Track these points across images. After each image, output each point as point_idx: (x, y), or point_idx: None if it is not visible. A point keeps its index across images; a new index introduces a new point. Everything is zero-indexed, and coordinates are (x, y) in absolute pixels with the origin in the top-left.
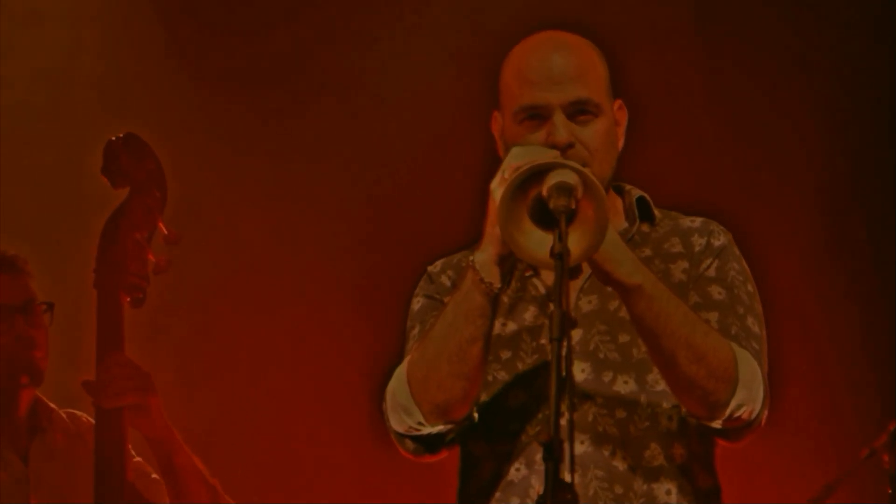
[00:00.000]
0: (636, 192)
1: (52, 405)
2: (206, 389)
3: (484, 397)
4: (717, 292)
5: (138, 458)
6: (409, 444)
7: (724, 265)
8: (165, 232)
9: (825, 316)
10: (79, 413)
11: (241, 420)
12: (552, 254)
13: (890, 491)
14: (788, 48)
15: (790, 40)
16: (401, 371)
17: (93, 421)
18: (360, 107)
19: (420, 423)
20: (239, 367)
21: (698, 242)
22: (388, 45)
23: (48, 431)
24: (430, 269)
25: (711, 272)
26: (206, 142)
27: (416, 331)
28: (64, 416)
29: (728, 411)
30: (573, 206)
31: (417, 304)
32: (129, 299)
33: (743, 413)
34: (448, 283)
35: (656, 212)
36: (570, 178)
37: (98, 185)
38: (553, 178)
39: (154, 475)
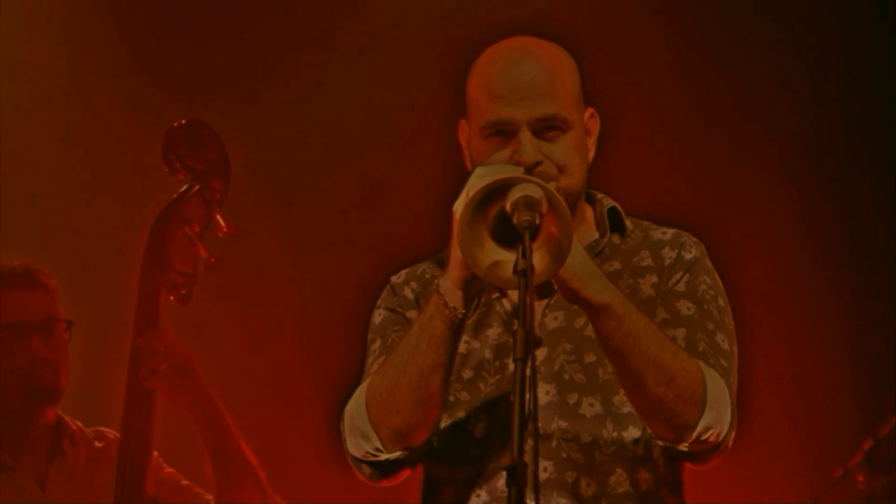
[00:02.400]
0: (608, 202)
1: (77, 424)
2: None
3: (444, 419)
4: (685, 307)
5: (170, 469)
6: (366, 469)
7: (695, 279)
8: (223, 226)
9: (799, 333)
10: (106, 430)
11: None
12: (515, 270)
13: None
14: (763, 52)
15: (764, 43)
16: (360, 394)
17: (119, 435)
18: (327, 114)
19: (378, 449)
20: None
21: (668, 255)
22: (356, 50)
23: (69, 454)
24: (393, 279)
25: (681, 286)
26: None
27: (376, 344)
28: (90, 434)
29: (695, 434)
30: (537, 221)
31: (379, 316)
32: (172, 297)
33: (710, 436)
34: (411, 296)
35: (627, 222)
36: (534, 192)
37: (135, 198)
38: (517, 193)
39: (185, 481)
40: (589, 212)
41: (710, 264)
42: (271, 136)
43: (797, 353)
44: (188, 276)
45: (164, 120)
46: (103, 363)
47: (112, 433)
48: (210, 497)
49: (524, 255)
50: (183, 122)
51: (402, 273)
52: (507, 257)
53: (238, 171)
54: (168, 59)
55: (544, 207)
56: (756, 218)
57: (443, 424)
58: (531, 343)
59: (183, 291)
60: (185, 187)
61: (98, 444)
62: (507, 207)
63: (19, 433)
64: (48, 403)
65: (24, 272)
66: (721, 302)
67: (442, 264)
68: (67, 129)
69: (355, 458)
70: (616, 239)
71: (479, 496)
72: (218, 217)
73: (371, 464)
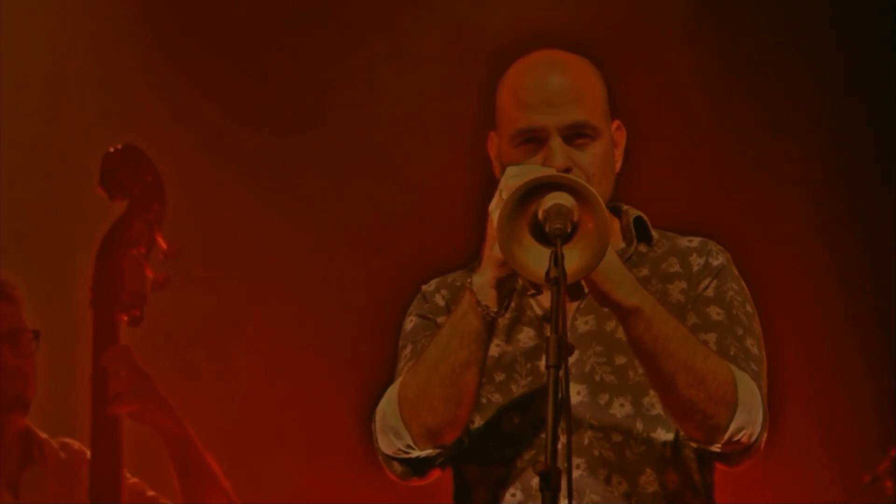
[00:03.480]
0: (633, 212)
1: (44, 435)
2: (205, 401)
3: (477, 420)
4: (715, 313)
5: (134, 479)
6: (397, 466)
7: (723, 285)
8: (164, 246)
9: (826, 338)
10: (70, 441)
11: (239, 433)
12: (548, 278)
13: None
14: (786, 65)
15: (787, 56)
16: (392, 392)
17: (84, 448)
18: (358, 124)
19: (409, 446)
20: (237, 378)
21: (696, 262)
22: (386, 61)
23: (39, 463)
24: (424, 288)
25: (710, 292)
26: (200, 152)
27: (407, 350)
28: (56, 445)
29: (727, 435)
30: (569, 230)
31: (410, 323)
32: (125, 318)
33: (742, 437)
34: (442, 303)
35: (653, 232)
36: (566, 200)
37: (95, 205)
38: (548, 202)
39: (150, 492)
40: (615, 223)
41: (736, 271)
42: (299, 144)
43: (824, 360)
44: (140, 297)
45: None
46: (65, 375)
47: (77, 444)
48: None
49: (556, 264)
50: (119, 146)
51: (433, 282)
52: (545, 254)
53: (263, 181)
54: (160, 73)
55: (576, 215)
56: (780, 227)
57: (475, 426)
58: (564, 350)
59: (136, 313)
60: (125, 210)
61: (63, 455)
62: (539, 216)
63: None
64: (17, 412)
65: None
66: (749, 308)
67: (474, 273)
68: (32, 141)
69: (386, 456)
70: (643, 247)
71: (514, 495)
72: (159, 238)
73: (402, 461)
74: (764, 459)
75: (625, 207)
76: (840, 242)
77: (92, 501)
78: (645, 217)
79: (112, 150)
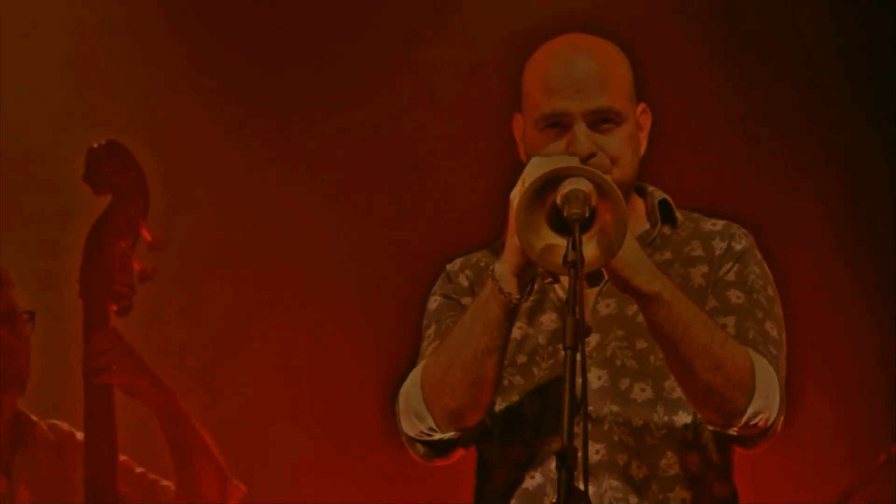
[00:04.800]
0: (658, 195)
1: (34, 417)
2: (214, 393)
3: (498, 403)
4: (735, 296)
5: (124, 458)
6: (420, 448)
7: (744, 269)
8: (149, 238)
9: (843, 321)
10: (59, 423)
11: (252, 423)
12: (565, 262)
13: None
14: (809, 47)
15: (810, 39)
16: (415, 375)
17: (73, 430)
18: (375, 109)
19: (432, 429)
20: (250, 368)
21: (719, 246)
22: (405, 47)
23: (30, 444)
24: (448, 267)
25: (731, 276)
26: (211, 144)
27: (431, 329)
28: (45, 427)
29: (744, 419)
30: (587, 214)
31: (434, 302)
32: (115, 308)
33: (759, 421)
34: (466, 283)
35: (678, 214)
36: (584, 185)
37: (83, 192)
38: (566, 187)
39: (138, 469)
40: (640, 204)
41: (759, 255)
42: (321, 127)
43: (840, 346)
44: (128, 287)
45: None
46: (55, 357)
47: (65, 426)
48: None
49: (574, 248)
50: (103, 142)
51: (458, 261)
52: (562, 243)
53: (287, 172)
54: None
55: (594, 200)
56: (802, 218)
57: (497, 408)
58: (581, 332)
59: (126, 303)
60: (110, 204)
61: (52, 437)
62: (558, 200)
63: None
64: (13, 392)
65: None
66: (770, 291)
67: (497, 253)
68: (34, 124)
69: (409, 438)
70: (667, 230)
71: (532, 477)
72: (144, 230)
73: (425, 443)
74: (779, 442)
75: (650, 189)
76: (863, 225)
77: (88, 483)
78: (670, 199)
79: (96, 145)
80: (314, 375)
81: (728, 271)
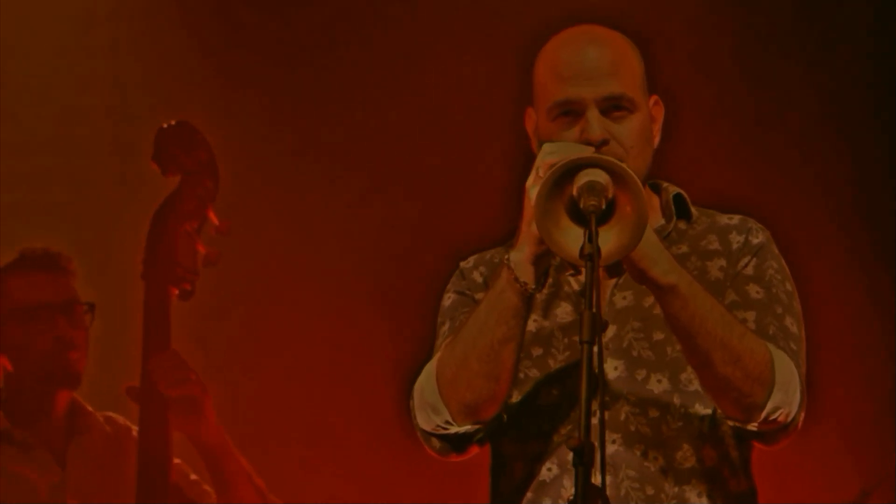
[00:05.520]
0: (673, 189)
1: (90, 408)
2: (237, 385)
3: (515, 395)
4: (754, 291)
5: (178, 461)
6: (436, 442)
7: (763, 263)
8: (216, 223)
9: (864, 316)
10: (115, 416)
11: (269, 417)
12: (581, 254)
13: None
14: (826, 45)
15: (827, 37)
16: (430, 369)
17: (129, 424)
18: (388, 103)
19: (447, 423)
20: (268, 362)
21: (736, 240)
22: (420, 38)
23: (86, 435)
24: (462, 264)
25: (749, 270)
26: (233, 138)
27: (445, 327)
28: (101, 419)
29: (764, 414)
30: (603, 206)
31: (448, 300)
32: (176, 292)
33: (779, 416)
34: (480, 280)
35: (693, 209)
36: (601, 177)
37: (145, 182)
38: (583, 178)
39: (193, 476)
40: (655, 199)
41: (776, 249)
42: (338, 135)
43: (862, 340)
44: (191, 271)
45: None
46: (113, 350)
47: (122, 419)
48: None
49: (590, 240)
50: (173, 122)
51: (472, 259)
52: (581, 233)
53: (307, 171)
54: (200, 50)
55: (611, 191)
56: (819, 212)
57: (513, 400)
58: (598, 326)
59: (188, 287)
60: (178, 185)
61: (108, 429)
62: (574, 192)
63: (39, 413)
64: (69, 384)
65: (45, 255)
66: (788, 286)
67: (511, 249)
68: (92, 115)
69: (425, 432)
70: (682, 224)
71: (550, 470)
72: (211, 214)
73: (441, 437)
74: (799, 438)
75: (664, 184)
76: (883, 217)
77: (140, 479)
78: (685, 194)
79: (165, 125)
80: (330, 371)
81: (746, 265)
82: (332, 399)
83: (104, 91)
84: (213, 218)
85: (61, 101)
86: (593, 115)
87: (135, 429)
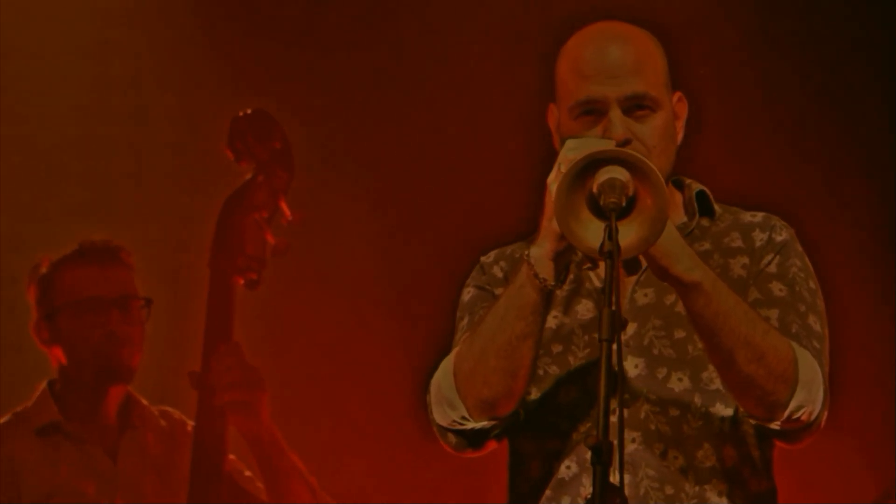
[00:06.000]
0: (696, 186)
1: (145, 402)
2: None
3: (534, 392)
4: (777, 289)
5: (232, 456)
6: (452, 437)
7: (786, 261)
8: (288, 214)
9: (886, 314)
10: (171, 410)
11: (284, 411)
12: (601, 252)
13: None
14: (849, 40)
15: (851, 34)
16: (447, 363)
17: (185, 418)
18: (408, 98)
19: (464, 418)
20: (283, 357)
21: (759, 238)
22: (442, 33)
23: (139, 429)
24: (483, 259)
25: (772, 268)
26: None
27: (464, 321)
28: (156, 412)
29: (787, 412)
30: (623, 203)
31: (468, 294)
32: (242, 281)
33: (802, 415)
34: (500, 275)
35: (716, 206)
36: (621, 174)
37: (211, 180)
38: (603, 175)
39: (247, 472)
40: (678, 196)
41: (799, 247)
42: (353, 124)
43: (885, 338)
44: (258, 261)
45: (237, 107)
46: (171, 343)
47: (177, 413)
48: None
49: (610, 237)
50: (249, 111)
51: (492, 253)
52: (602, 228)
53: (327, 158)
54: (245, 45)
55: (631, 188)
56: (840, 211)
57: (531, 398)
58: (617, 324)
59: (253, 276)
60: (251, 175)
61: (163, 423)
62: (594, 189)
63: (92, 406)
64: (122, 379)
65: (106, 248)
66: (812, 284)
67: (532, 244)
68: (147, 112)
69: (441, 427)
70: (705, 222)
71: (569, 468)
72: (283, 205)
73: (457, 433)
74: (822, 437)
75: (688, 181)
76: None
77: (194, 466)
78: (708, 191)
79: (241, 114)
80: (349, 367)
81: (769, 263)
82: (348, 395)
83: (169, 90)
84: (285, 208)
85: (123, 100)
86: (616, 114)
87: (190, 423)
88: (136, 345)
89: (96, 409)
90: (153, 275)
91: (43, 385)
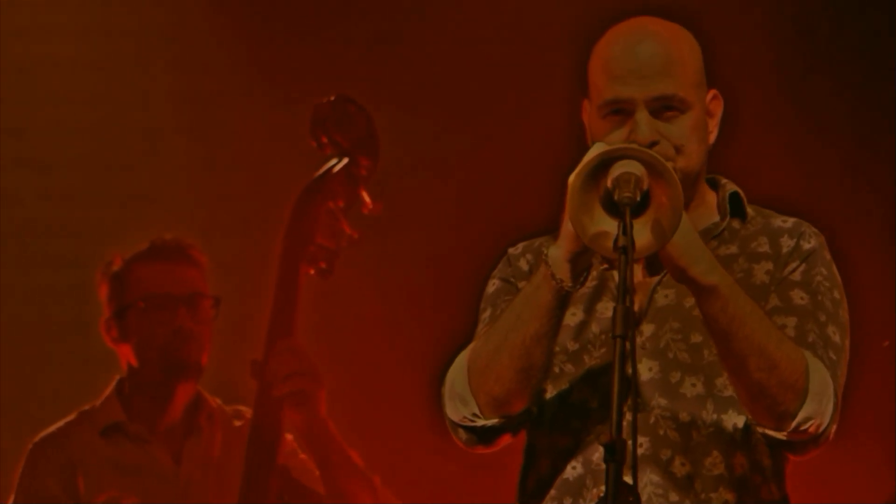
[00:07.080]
0: (731, 187)
1: (216, 401)
2: None
3: (549, 390)
4: (799, 297)
5: (289, 436)
6: (463, 433)
7: (811, 269)
8: (368, 203)
9: None
10: (245, 409)
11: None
12: (615, 247)
13: None
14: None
15: (881, 38)
16: (461, 359)
17: None
18: (444, 95)
19: (475, 415)
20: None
21: (787, 244)
22: (474, 26)
23: (205, 431)
24: (510, 251)
25: (797, 276)
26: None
27: (487, 313)
28: (230, 412)
29: (794, 423)
30: (637, 198)
31: (493, 286)
32: (311, 271)
33: (810, 426)
34: (526, 268)
35: (749, 209)
36: (636, 168)
37: (281, 181)
38: (617, 170)
39: (302, 455)
40: (711, 196)
41: (828, 256)
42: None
43: None
44: (330, 250)
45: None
46: (243, 341)
47: (250, 412)
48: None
49: (625, 232)
50: (332, 97)
51: (520, 245)
52: (616, 227)
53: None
54: (306, 35)
55: (646, 183)
56: (865, 216)
57: (547, 395)
58: (630, 320)
59: (323, 265)
60: (332, 162)
61: (237, 423)
62: (609, 184)
63: (157, 406)
64: (188, 378)
65: (177, 246)
66: (836, 294)
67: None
68: (213, 103)
69: (453, 423)
70: (736, 224)
71: (574, 468)
72: (364, 194)
73: (467, 429)
74: (834, 445)
75: (723, 181)
76: None
77: (248, 465)
78: (741, 193)
79: (324, 100)
80: (371, 358)
81: (794, 270)
82: (367, 387)
83: (244, 76)
84: (366, 198)
85: (194, 85)
86: (642, 116)
87: None
88: (203, 343)
89: (163, 409)
90: (223, 269)
91: (112, 384)
